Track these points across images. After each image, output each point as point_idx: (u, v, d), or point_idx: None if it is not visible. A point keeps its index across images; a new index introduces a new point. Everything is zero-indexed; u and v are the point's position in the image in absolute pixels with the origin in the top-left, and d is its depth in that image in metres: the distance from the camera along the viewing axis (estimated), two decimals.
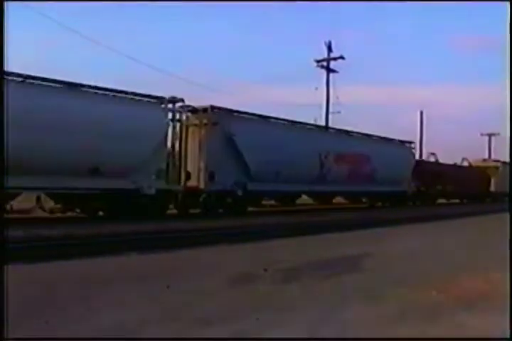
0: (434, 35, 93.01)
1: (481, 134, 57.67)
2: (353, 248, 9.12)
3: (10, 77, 12.29)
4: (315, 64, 33.03)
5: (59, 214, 14.86)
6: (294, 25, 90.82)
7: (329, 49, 32.65)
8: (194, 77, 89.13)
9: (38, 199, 14.51)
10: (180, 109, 16.65)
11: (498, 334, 3.72)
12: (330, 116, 32.86)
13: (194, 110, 17.29)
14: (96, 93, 14.66)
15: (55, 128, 13.07)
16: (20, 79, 13.14)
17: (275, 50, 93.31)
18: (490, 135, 56.51)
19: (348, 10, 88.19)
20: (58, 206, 14.60)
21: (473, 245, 9.43)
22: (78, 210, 15.34)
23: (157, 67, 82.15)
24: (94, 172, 13.78)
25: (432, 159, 33.38)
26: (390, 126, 66.81)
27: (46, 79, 13.67)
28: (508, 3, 7.63)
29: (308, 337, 3.72)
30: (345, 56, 32.75)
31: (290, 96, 73.25)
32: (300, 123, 22.24)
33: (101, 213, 15.53)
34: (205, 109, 17.34)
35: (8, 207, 13.65)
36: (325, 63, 33.00)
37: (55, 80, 13.88)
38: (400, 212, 22.21)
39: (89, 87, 14.53)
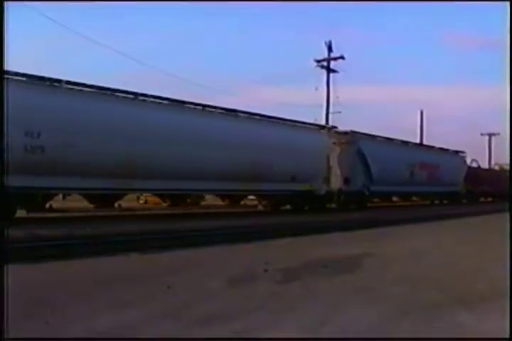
0: (434, 35, 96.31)
1: (481, 134, 59.40)
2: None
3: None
4: (315, 64, 33.11)
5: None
6: (294, 25, 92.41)
7: (329, 49, 32.86)
8: (194, 77, 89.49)
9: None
10: (329, 132, 23.11)
11: (497, 335, 3.80)
12: (330, 116, 33.30)
13: (336, 132, 23.77)
14: (285, 123, 21.03)
15: (275, 150, 19.30)
16: (233, 116, 19.46)
17: (275, 50, 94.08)
18: (490, 135, 58.22)
19: (348, 10, 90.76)
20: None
21: (481, 243, 9.66)
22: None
23: (157, 67, 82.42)
24: (293, 179, 20.18)
25: (474, 164, 40.11)
26: (390, 125, 68.93)
27: (240, 111, 19.65)
28: (508, 3, 7.85)
29: (308, 337, 3.75)
30: (345, 56, 32.86)
31: (290, 96, 73.80)
32: (395, 140, 28.82)
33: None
34: (345, 132, 23.95)
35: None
36: (325, 63, 33.10)
37: (249, 113, 20.05)
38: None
39: (278, 118, 20.86)
